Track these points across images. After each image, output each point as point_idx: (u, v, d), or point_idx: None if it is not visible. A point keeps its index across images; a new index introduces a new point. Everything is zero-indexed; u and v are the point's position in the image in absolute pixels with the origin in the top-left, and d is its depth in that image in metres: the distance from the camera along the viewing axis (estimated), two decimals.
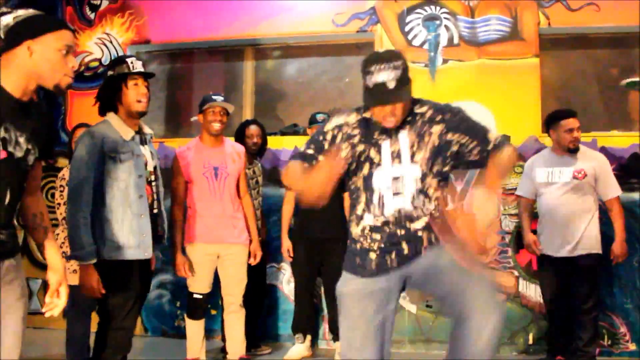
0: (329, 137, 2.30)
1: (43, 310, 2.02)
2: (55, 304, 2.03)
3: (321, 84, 5.34)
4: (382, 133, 2.26)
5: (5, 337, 1.88)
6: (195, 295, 3.68)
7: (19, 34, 1.89)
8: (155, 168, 3.01)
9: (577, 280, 3.94)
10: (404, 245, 2.25)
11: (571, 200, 3.94)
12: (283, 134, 5.09)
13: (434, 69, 4.83)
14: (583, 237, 3.91)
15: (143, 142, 2.96)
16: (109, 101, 2.89)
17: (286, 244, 4.36)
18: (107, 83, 2.91)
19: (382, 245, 2.25)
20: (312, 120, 4.43)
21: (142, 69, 2.90)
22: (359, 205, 2.31)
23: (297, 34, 5.12)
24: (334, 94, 5.32)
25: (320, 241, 4.26)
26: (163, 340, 4.95)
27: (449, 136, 2.24)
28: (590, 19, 4.71)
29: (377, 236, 2.27)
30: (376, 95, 2.14)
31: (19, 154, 1.90)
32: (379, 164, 2.25)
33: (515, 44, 4.76)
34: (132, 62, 2.88)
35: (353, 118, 2.32)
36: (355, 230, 2.32)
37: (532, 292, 4.45)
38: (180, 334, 4.99)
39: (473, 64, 4.80)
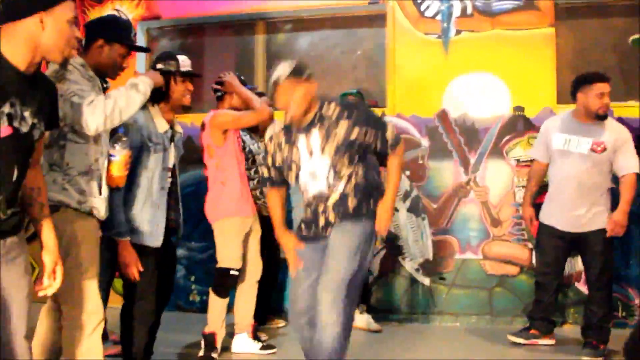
0: (270, 150, 2.88)
1: (37, 289, 1.99)
2: (50, 285, 2.01)
3: (333, 57, 5.30)
4: (298, 132, 2.75)
5: (11, 316, 1.85)
6: (232, 272, 3.68)
7: (30, 5, 1.82)
8: (174, 165, 3.10)
9: (589, 256, 3.84)
10: (320, 220, 2.76)
11: (586, 174, 3.77)
12: None
13: (447, 40, 4.76)
14: (598, 212, 3.77)
15: (172, 138, 3.08)
16: (156, 94, 2.94)
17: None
18: None
19: (309, 217, 2.81)
20: None
21: (190, 68, 3.07)
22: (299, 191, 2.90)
23: (308, 6, 5.07)
24: (346, 67, 5.27)
25: None
26: (178, 314, 5.00)
27: (355, 130, 2.69)
28: None
29: (309, 210, 2.83)
30: (272, 89, 2.70)
31: (24, 129, 1.84)
32: (299, 166, 2.77)
33: (530, 13, 4.68)
34: (183, 61, 3.04)
35: (278, 126, 2.86)
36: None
37: None
38: (195, 308, 5.07)
39: (487, 35, 4.72)
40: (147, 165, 2.93)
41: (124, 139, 2.67)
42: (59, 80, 2.32)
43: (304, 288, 2.77)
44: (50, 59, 1.91)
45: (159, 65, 3.03)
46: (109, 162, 2.62)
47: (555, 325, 4.12)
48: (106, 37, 2.62)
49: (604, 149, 3.74)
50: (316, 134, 2.70)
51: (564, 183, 3.87)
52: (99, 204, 2.50)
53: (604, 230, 3.77)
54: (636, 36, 2.35)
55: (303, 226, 2.86)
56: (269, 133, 2.90)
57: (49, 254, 2.02)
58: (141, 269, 2.87)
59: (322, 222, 2.76)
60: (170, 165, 3.06)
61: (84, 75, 2.47)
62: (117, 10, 5.46)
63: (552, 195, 3.96)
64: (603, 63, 4.69)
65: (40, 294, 2.02)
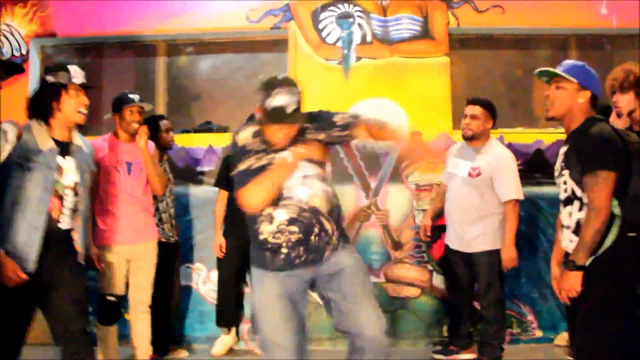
0: (248, 148, 2.49)
1: None
2: None
3: (235, 81, 5.26)
4: (275, 150, 2.49)
5: None
6: (109, 298, 3.60)
7: None
8: (77, 183, 2.92)
9: (475, 276, 3.99)
10: (314, 237, 2.46)
11: (466, 197, 3.92)
12: (196, 131, 4.99)
13: (347, 66, 4.86)
14: (479, 235, 3.89)
15: (66, 153, 2.89)
16: (45, 108, 2.82)
17: (219, 240, 4.38)
18: (45, 89, 2.85)
19: (297, 237, 2.45)
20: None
21: (84, 80, 2.89)
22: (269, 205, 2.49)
23: (210, 29, 5.02)
24: (249, 91, 5.22)
25: (248, 241, 4.31)
26: None
27: (322, 136, 2.56)
28: (496, 20, 4.89)
29: (295, 228, 2.45)
30: (277, 116, 2.35)
31: None
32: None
33: (426, 42, 4.87)
34: (74, 72, 2.86)
35: (253, 130, 2.53)
36: (268, 228, 2.47)
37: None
38: (92, 340, 4.80)
39: (385, 62, 4.86)
40: (24, 184, 2.75)
41: None
42: None
43: (290, 334, 2.45)
44: None
45: (49, 78, 2.85)
46: None
47: (473, 340, 4.20)
48: None
49: (479, 174, 3.89)
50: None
51: (450, 204, 4.07)
52: None
53: (487, 253, 3.89)
54: (542, 69, 2.69)
55: (280, 247, 2.48)
56: (245, 134, 2.54)
57: None
58: (22, 276, 2.69)
59: (317, 239, 2.47)
60: (68, 182, 2.88)
61: None
62: (7, 25, 5.19)
63: (445, 216, 4.15)
64: (494, 91, 4.96)
65: None
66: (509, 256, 3.85)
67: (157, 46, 5.26)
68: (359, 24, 4.88)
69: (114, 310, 3.66)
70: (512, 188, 3.86)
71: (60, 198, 2.86)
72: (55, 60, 5.30)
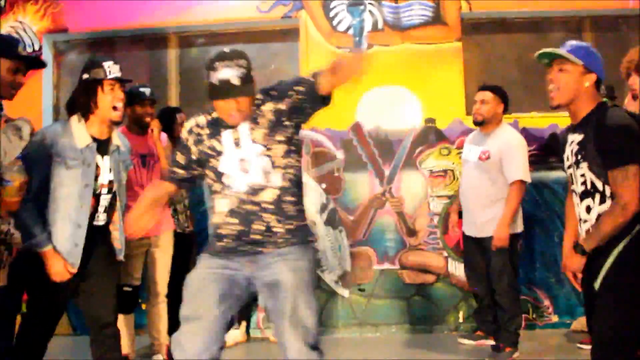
0: (184, 143, 2.49)
1: None
2: None
3: None
4: (226, 127, 2.38)
5: None
6: (124, 288, 3.62)
7: None
8: (111, 181, 2.93)
9: (489, 261, 3.95)
10: (253, 230, 2.34)
11: (479, 181, 3.91)
12: None
13: None
14: (490, 219, 3.86)
15: (104, 152, 2.89)
16: (83, 105, 2.83)
17: None
18: (82, 87, 2.85)
19: (238, 228, 2.35)
20: None
21: (119, 74, 2.85)
22: (214, 194, 2.43)
23: (221, 20, 5.03)
24: (260, 81, 5.17)
25: None
26: None
27: (281, 105, 2.36)
28: (508, 3, 4.86)
29: (234, 220, 2.36)
30: (221, 90, 2.26)
31: None
32: (221, 153, 2.38)
33: (438, 28, 4.84)
34: (109, 67, 2.83)
35: (202, 119, 2.47)
36: (215, 219, 2.43)
37: (461, 271, 4.52)
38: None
39: (397, 49, 4.84)
40: (62, 182, 2.76)
41: (19, 164, 2.59)
42: None
43: (209, 309, 2.31)
44: None
45: (85, 76, 2.84)
46: (3, 187, 2.55)
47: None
48: None
49: (488, 157, 3.87)
50: (244, 125, 2.37)
51: (463, 190, 4.07)
52: None
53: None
54: (542, 50, 2.53)
55: (223, 238, 2.40)
56: (189, 125, 2.50)
57: None
58: (72, 271, 2.74)
59: (256, 233, 2.34)
60: (104, 180, 2.88)
61: None
62: (20, 22, 5.23)
63: (460, 202, 4.14)
64: (507, 75, 4.91)
65: None
66: (500, 235, 3.79)
67: (168, 38, 5.27)
68: (370, 11, 4.86)
69: (131, 300, 3.71)
70: (518, 169, 3.82)
71: (96, 196, 2.88)
72: (68, 55, 5.35)
